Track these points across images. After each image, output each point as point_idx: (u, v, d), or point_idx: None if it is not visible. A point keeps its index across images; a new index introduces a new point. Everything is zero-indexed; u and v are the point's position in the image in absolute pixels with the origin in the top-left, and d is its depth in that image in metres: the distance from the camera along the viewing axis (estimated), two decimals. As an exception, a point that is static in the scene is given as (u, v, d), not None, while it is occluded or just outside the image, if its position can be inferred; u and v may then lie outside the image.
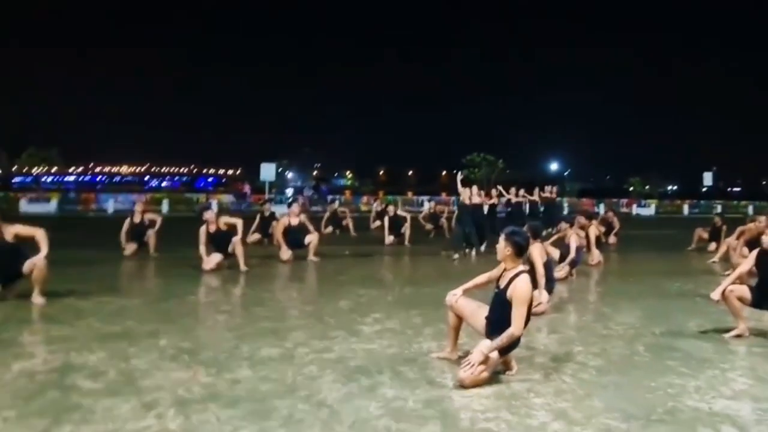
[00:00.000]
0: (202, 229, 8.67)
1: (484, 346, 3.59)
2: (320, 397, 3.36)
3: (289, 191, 46.23)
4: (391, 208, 13.98)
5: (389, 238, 12.95)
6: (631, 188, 53.13)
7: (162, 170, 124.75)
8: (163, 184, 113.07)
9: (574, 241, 8.32)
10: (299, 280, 8.10)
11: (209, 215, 8.83)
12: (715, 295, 4.95)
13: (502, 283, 3.83)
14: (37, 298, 5.89)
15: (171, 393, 3.39)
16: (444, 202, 26.26)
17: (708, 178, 37.59)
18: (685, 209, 39.49)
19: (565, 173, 69.99)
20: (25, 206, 28.64)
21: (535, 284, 5.39)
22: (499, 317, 3.76)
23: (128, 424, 2.95)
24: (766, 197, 50.26)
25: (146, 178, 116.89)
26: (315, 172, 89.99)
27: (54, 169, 52.37)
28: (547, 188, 16.20)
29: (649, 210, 38.55)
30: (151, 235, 10.37)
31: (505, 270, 3.90)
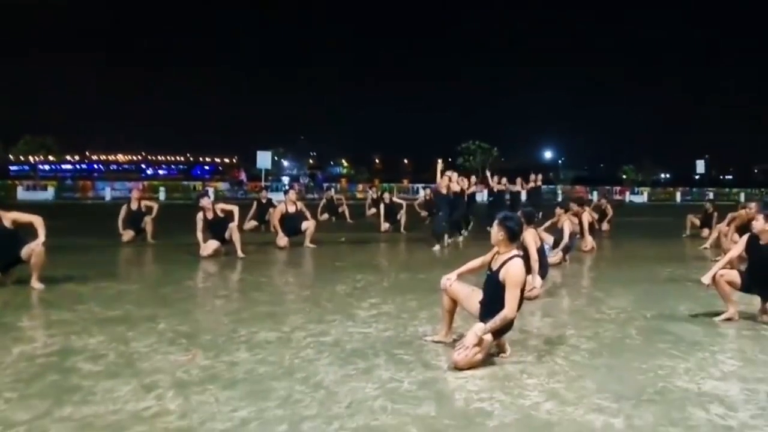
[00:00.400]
0: (199, 216, 8.69)
1: (478, 329, 3.62)
2: (317, 379, 3.39)
3: (285, 179, 46.13)
4: (386, 196, 14.01)
5: (385, 225, 12.97)
6: (624, 176, 53.19)
7: (158, 158, 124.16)
8: (160, 172, 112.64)
9: (567, 226, 8.36)
10: (296, 266, 8.12)
11: (206, 202, 8.84)
12: (706, 279, 4.99)
13: (495, 266, 3.85)
14: (36, 284, 5.90)
15: (170, 375, 3.42)
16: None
17: (700, 166, 37.65)
18: (678, 197, 39.69)
19: (559, 161, 70.00)
20: (22, 194, 28.57)
21: (528, 269, 5.43)
22: (491, 300, 3.79)
23: (128, 405, 2.97)
24: (757, 185, 50.49)
25: (143, 166, 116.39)
26: (311, 161, 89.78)
27: (50, 158, 51.95)
28: (532, 177, 15.88)
29: (642, 197, 38.74)
30: (148, 222, 10.37)
31: (497, 254, 3.92)
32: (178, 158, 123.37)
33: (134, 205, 10.59)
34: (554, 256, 7.99)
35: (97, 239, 10.48)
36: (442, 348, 4.02)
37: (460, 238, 10.92)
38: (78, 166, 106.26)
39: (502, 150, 51.60)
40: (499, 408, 3.01)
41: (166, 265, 7.87)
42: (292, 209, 10.11)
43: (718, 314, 5.02)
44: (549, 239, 8.11)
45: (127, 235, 10.23)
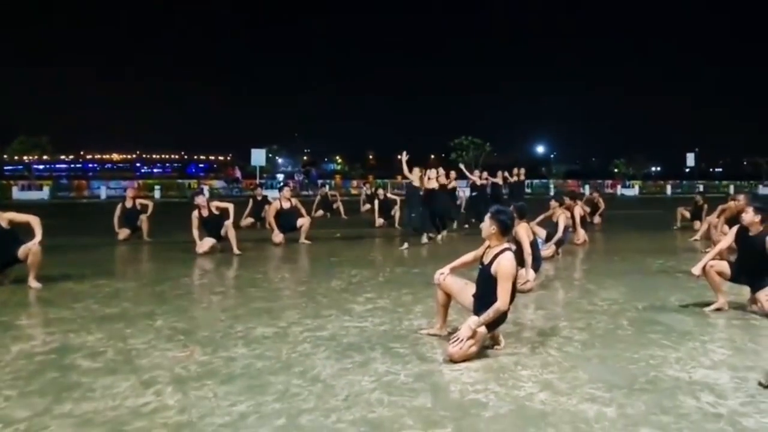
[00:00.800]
0: (195, 214, 8.68)
1: (472, 322, 3.64)
2: (314, 373, 3.40)
3: (280, 176, 46.01)
4: (380, 192, 14.01)
5: (379, 221, 12.99)
6: (616, 170, 53.32)
7: (153, 157, 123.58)
8: (155, 170, 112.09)
9: (562, 220, 8.40)
10: (292, 262, 8.12)
11: (201, 200, 8.83)
12: (696, 270, 5.03)
13: (486, 260, 3.87)
14: (33, 283, 5.88)
15: (168, 371, 3.42)
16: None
17: (690, 159, 37.85)
18: (668, 189, 39.82)
19: (552, 155, 70.14)
20: (17, 194, 28.34)
21: (521, 263, 5.47)
22: (484, 293, 3.80)
23: (128, 401, 2.98)
24: (746, 177, 50.74)
25: (138, 165, 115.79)
26: (305, 158, 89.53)
27: (45, 157, 51.55)
28: (515, 171, 15.05)
29: (633, 191, 38.86)
30: (143, 220, 10.34)
31: (489, 247, 3.93)
32: (172, 156, 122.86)
33: (129, 204, 10.56)
34: (547, 250, 8.03)
35: (94, 238, 10.43)
36: (437, 341, 4.05)
37: (439, 237, 10.28)
38: (73, 166, 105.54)
39: (494, 145, 51.58)
40: (493, 399, 3.03)
41: (163, 262, 7.85)
42: (286, 206, 10.11)
43: (708, 305, 5.07)
44: (542, 233, 8.15)
45: (123, 233, 10.21)
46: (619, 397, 3.06)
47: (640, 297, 5.59)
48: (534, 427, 2.69)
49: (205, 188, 26.64)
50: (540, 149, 71.49)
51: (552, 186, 37.71)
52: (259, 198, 12.73)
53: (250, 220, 12.36)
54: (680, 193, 37.52)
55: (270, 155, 47.66)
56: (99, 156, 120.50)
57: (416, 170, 9.74)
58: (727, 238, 5.30)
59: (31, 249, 5.87)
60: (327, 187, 19.31)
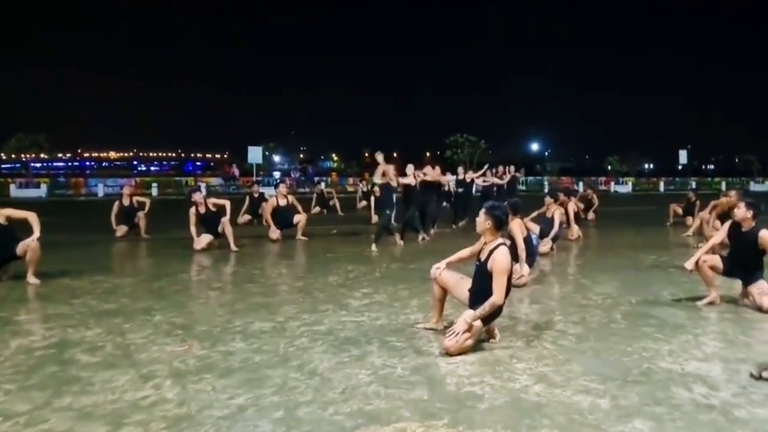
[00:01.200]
0: (192, 211, 8.67)
1: (468, 315, 3.65)
2: (312, 367, 3.41)
3: (277, 174, 45.93)
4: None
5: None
6: (609, 167, 53.47)
7: (150, 155, 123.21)
8: (152, 168, 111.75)
9: (557, 216, 8.44)
10: (288, 258, 8.11)
11: (198, 197, 8.83)
12: (689, 264, 5.06)
13: (483, 256, 3.88)
14: (32, 279, 5.87)
15: (167, 365, 3.42)
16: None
17: (683, 156, 37.98)
18: (661, 186, 39.98)
19: (546, 153, 70.26)
20: (15, 191, 28.24)
21: (516, 258, 5.48)
22: (480, 288, 3.81)
23: (127, 394, 2.98)
24: (738, 174, 50.96)
25: (135, 163, 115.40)
26: (301, 155, 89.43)
27: (43, 155, 51.36)
28: (501, 169, 14.78)
29: (627, 187, 39.00)
30: (141, 217, 10.33)
31: (485, 243, 3.94)
32: (169, 154, 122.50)
33: (126, 201, 10.56)
34: (544, 246, 8.06)
35: (91, 235, 10.40)
36: (433, 335, 4.06)
37: (420, 238, 9.71)
38: (70, 164, 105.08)
39: (489, 143, 51.67)
40: (489, 391, 3.04)
41: (160, 259, 7.83)
42: (283, 203, 10.11)
43: (700, 299, 5.09)
44: (535, 229, 8.17)
45: (121, 230, 10.19)
46: (613, 389, 3.07)
47: (633, 291, 5.62)
48: (529, 419, 2.71)
49: (202, 185, 26.60)
50: (534, 147, 71.64)
51: (546, 183, 37.79)
52: (256, 195, 12.72)
53: (248, 217, 12.35)
54: (673, 189, 37.68)
55: (266, 153, 47.64)
56: (96, 154, 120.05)
57: (389, 167, 9.14)
58: (719, 234, 5.33)
59: (29, 245, 5.85)
60: (323, 184, 19.32)
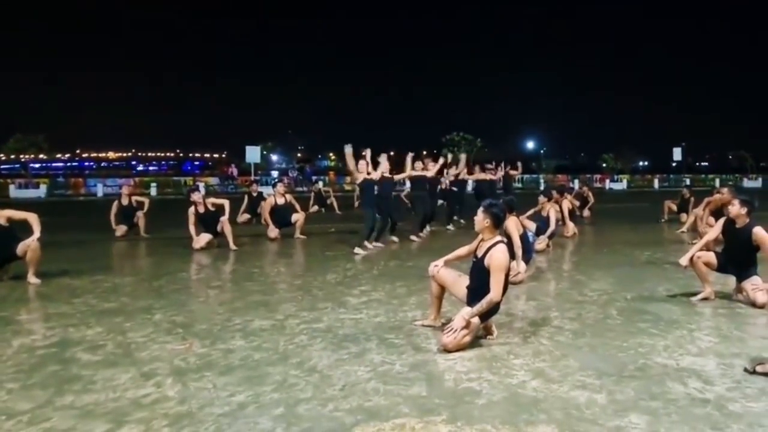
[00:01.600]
0: (191, 210, 8.67)
1: (466, 312, 3.66)
2: (311, 364, 3.41)
3: (275, 173, 45.92)
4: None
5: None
6: (604, 164, 53.55)
7: (149, 155, 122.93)
8: (151, 168, 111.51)
9: (553, 213, 8.47)
10: (287, 257, 8.11)
11: (197, 197, 8.83)
12: (684, 260, 5.07)
13: (480, 253, 3.89)
14: (32, 279, 5.87)
15: (168, 363, 3.42)
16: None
17: (677, 154, 38.12)
18: (656, 183, 40.08)
19: (541, 151, 70.26)
20: (14, 192, 28.16)
21: (512, 255, 5.49)
22: (478, 285, 3.82)
23: (128, 392, 2.98)
24: (732, 171, 51.08)
25: (133, 163, 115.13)
26: (299, 154, 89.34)
27: (42, 156, 51.20)
28: (489, 166, 14.01)
29: (621, 185, 39.08)
30: (140, 217, 10.33)
31: (482, 241, 3.95)
32: (168, 154, 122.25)
33: (125, 201, 10.55)
34: (540, 243, 8.08)
35: (91, 235, 10.39)
36: (431, 331, 4.06)
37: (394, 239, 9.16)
38: (69, 164, 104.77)
39: (486, 141, 51.68)
40: (487, 387, 3.05)
41: (160, 258, 7.82)
42: (281, 202, 10.11)
43: (695, 294, 5.11)
44: (532, 226, 8.19)
45: (120, 230, 10.18)
46: (609, 384, 3.09)
47: (628, 287, 5.63)
48: (526, 414, 2.72)
49: (201, 185, 26.56)
50: (530, 145, 71.68)
51: (542, 180, 37.85)
52: (255, 194, 12.71)
53: (246, 216, 12.34)
54: (667, 186, 37.77)
55: (264, 152, 47.55)
56: (95, 154, 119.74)
57: (362, 162, 8.49)
58: (714, 230, 5.34)
59: (29, 246, 5.84)
60: (321, 183, 19.27)
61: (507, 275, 3.83)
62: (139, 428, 2.57)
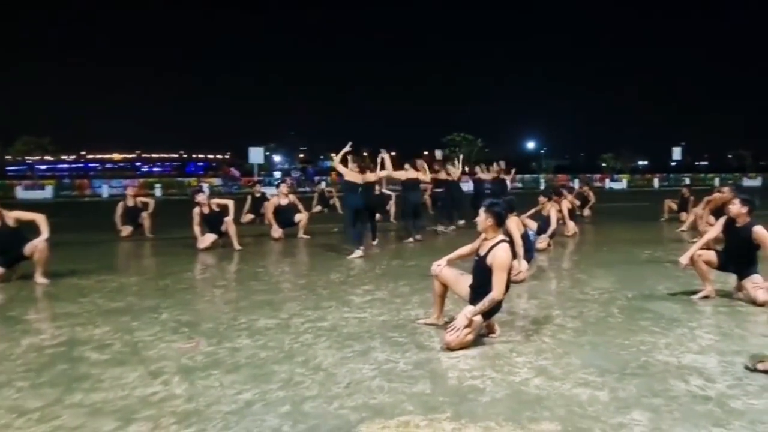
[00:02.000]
0: (196, 211, 8.69)
1: (468, 311, 3.66)
2: (316, 362, 3.42)
3: (277, 174, 45.90)
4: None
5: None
6: (604, 164, 53.39)
7: (153, 156, 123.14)
8: (155, 169, 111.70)
9: (554, 213, 8.48)
10: (291, 256, 8.12)
11: (201, 198, 8.85)
12: (684, 259, 5.07)
13: (482, 252, 3.89)
14: (40, 279, 5.88)
15: (175, 362, 3.43)
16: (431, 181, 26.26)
17: (677, 153, 38.03)
18: (656, 182, 40.00)
19: (542, 151, 70.16)
20: (21, 193, 28.21)
21: (514, 254, 5.49)
22: (480, 284, 3.83)
23: (136, 390, 2.99)
24: (731, 170, 50.93)
25: (138, 164, 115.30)
26: (301, 155, 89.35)
27: (48, 157, 51.28)
28: (477, 168, 13.78)
29: (621, 184, 39.00)
30: (145, 217, 10.34)
31: (485, 240, 3.95)
32: (171, 156, 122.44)
33: (130, 202, 10.57)
34: (541, 242, 8.08)
35: (97, 235, 10.41)
36: (434, 330, 4.07)
37: (374, 243, 8.66)
38: (74, 166, 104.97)
39: (486, 141, 51.56)
40: (490, 385, 3.06)
41: (165, 258, 7.84)
42: (284, 202, 10.13)
43: (695, 293, 5.11)
44: (533, 226, 8.18)
45: (126, 230, 10.21)
46: (611, 382, 3.09)
47: (629, 286, 5.63)
48: (530, 411, 2.72)
49: (205, 186, 26.58)
50: (530, 145, 71.55)
51: (542, 180, 37.80)
52: (258, 195, 12.72)
53: (250, 216, 12.34)
54: (667, 186, 37.71)
55: (267, 153, 47.55)
56: (100, 156, 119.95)
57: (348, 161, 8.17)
58: (714, 229, 5.33)
59: (37, 246, 5.87)
60: (324, 183, 19.29)
61: (509, 274, 3.83)
62: (147, 426, 2.58)
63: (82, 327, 4.23)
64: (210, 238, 8.56)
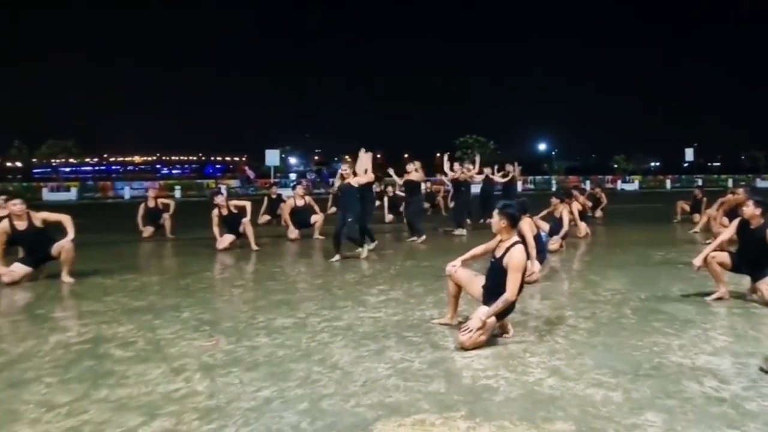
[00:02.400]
0: (214, 212, 8.79)
1: (482, 313, 3.66)
2: (333, 360, 3.44)
3: (293, 175, 46.09)
4: (389, 189, 14.02)
5: (389, 217, 13.02)
6: (616, 165, 52.82)
7: (172, 159, 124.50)
8: (174, 171, 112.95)
9: (566, 214, 8.42)
10: (307, 257, 8.15)
11: (220, 199, 8.94)
12: (698, 261, 5.01)
13: (498, 253, 3.88)
14: (66, 278, 5.98)
15: (196, 359, 3.48)
16: (439, 182, 26.23)
17: (689, 154, 37.33)
18: (668, 184, 39.48)
19: (553, 152, 69.58)
20: (47, 195, 28.69)
21: (527, 255, 5.47)
22: (494, 284, 3.82)
23: (159, 387, 3.04)
24: (744, 171, 50.10)
25: (158, 167, 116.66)
26: (316, 157, 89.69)
27: (72, 160, 52.08)
28: (486, 169, 12.87)
29: (633, 185, 38.56)
30: (166, 218, 10.46)
31: (501, 241, 3.94)
32: (190, 158, 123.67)
33: (151, 203, 10.70)
34: (554, 243, 8.03)
35: (120, 235, 10.56)
36: (448, 330, 4.07)
37: (364, 250, 7.86)
38: (97, 168, 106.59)
39: (498, 143, 51.28)
40: (504, 384, 3.05)
41: (185, 258, 7.93)
42: (300, 204, 10.19)
43: (709, 294, 5.04)
44: (545, 227, 8.14)
45: (147, 231, 10.33)
46: (625, 383, 3.06)
47: (642, 287, 5.57)
48: (544, 411, 2.71)
49: (223, 187, 26.81)
50: (542, 146, 71.04)
51: (554, 182, 37.51)
52: (274, 196, 12.79)
53: (267, 217, 12.42)
54: (679, 187, 37.19)
55: (283, 155, 47.76)
56: (122, 158, 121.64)
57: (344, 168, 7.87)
58: (728, 231, 5.26)
59: (63, 246, 5.97)
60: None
61: (523, 275, 3.82)
62: (170, 421, 2.62)
63: (107, 325, 4.30)
64: (228, 238, 8.64)
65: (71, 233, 6.05)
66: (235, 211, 8.87)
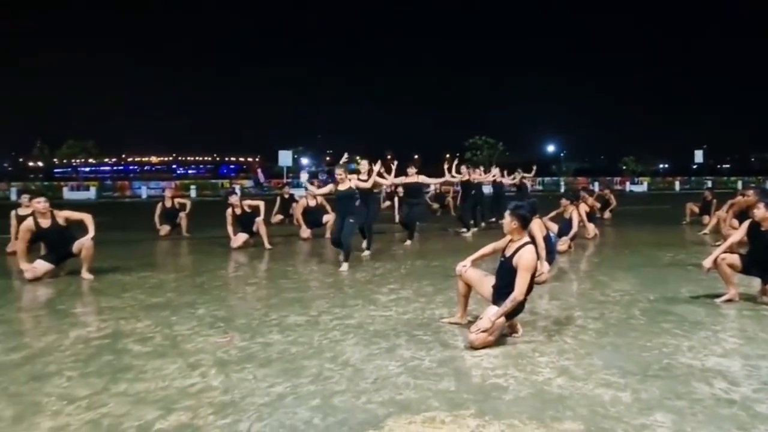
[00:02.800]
0: (229, 212, 8.84)
1: (491, 313, 3.64)
2: (344, 358, 3.45)
3: (305, 176, 46.21)
4: (400, 190, 13.98)
5: (399, 217, 12.98)
6: (624, 167, 52.36)
7: (188, 159, 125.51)
8: (190, 171, 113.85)
9: (575, 215, 8.37)
10: (319, 256, 8.17)
11: (234, 199, 8.99)
12: (707, 263, 4.95)
13: (508, 253, 3.86)
14: (86, 274, 6.06)
15: (211, 355, 3.50)
16: (448, 183, 26.18)
17: (699, 156, 36.85)
18: (677, 185, 39.03)
19: (562, 154, 69.12)
20: (67, 194, 29.07)
21: (537, 256, 5.44)
22: (504, 284, 3.80)
23: (176, 381, 3.06)
24: (754, 173, 49.41)
25: (174, 167, 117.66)
26: (327, 158, 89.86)
27: (91, 160, 52.69)
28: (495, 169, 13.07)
29: (642, 187, 38.17)
30: (182, 217, 10.55)
31: (511, 241, 3.93)
32: (205, 159, 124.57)
33: (168, 203, 10.79)
34: (563, 244, 7.98)
35: (137, 234, 10.67)
36: (458, 329, 4.06)
37: (365, 254, 7.86)
38: (115, 168, 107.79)
39: (507, 144, 51.07)
40: (513, 383, 3.04)
41: (201, 256, 7.99)
42: (313, 204, 10.22)
43: (719, 296, 4.98)
44: (554, 228, 8.09)
45: (164, 229, 10.43)
46: (634, 383, 3.03)
47: (651, 288, 5.52)
48: (553, 410, 2.69)
49: (237, 187, 26.96)
50: (551, 148, 70.60)
51: (563, 183, 37.26)
52: (287, 196, 12.85)
53: (279, 216, 12.47)
54: (688, 189, 36.76)
55: (295, 156, 47.92)
56: (139, 159, 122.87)
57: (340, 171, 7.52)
58: (738, 233, 5.19)
59: (84, 244, 6.05)
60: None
61: (533, 276, 3.80)
62: (187, 415, 2.64)
63: (125, 320, 4.34)
64: (242, 237, 8.70)
65: (92, 231, 6.13)
66: (248, 210, 8.92)
